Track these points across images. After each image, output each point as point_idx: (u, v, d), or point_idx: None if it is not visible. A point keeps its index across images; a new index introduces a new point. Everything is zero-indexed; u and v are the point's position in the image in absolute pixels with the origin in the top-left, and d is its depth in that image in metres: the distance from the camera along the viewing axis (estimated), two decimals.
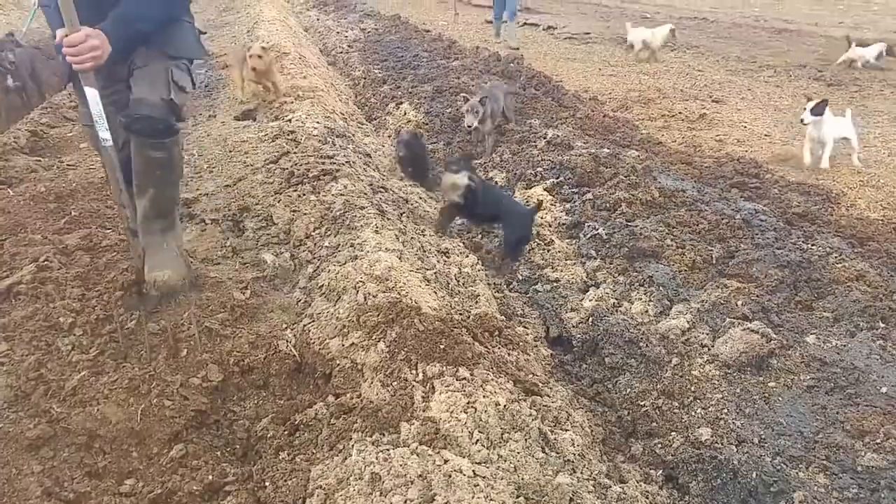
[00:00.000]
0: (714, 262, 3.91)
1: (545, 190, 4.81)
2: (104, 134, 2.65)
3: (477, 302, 3.32)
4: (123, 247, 3.76)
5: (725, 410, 2.82)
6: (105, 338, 3.03)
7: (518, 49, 11.83)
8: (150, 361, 2.89)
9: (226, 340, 3.06)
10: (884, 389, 2.85)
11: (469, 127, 5.77)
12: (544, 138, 5.81)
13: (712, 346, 3.17)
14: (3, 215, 3.98)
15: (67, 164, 4.98)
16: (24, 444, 2.54)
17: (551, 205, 4.64)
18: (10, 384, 2.75)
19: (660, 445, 2.75)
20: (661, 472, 2.65)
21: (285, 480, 2.41)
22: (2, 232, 3.79)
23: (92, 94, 2.62)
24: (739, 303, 3.46)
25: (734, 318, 3.33)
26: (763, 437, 2.70)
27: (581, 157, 5.19)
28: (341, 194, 4.13)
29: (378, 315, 2.90)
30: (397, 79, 9.10)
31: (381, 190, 4.61)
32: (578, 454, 2.39)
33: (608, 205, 4.54)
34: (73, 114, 6.87)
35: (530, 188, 4.91)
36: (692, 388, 2.94)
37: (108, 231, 3.92)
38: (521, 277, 4.02)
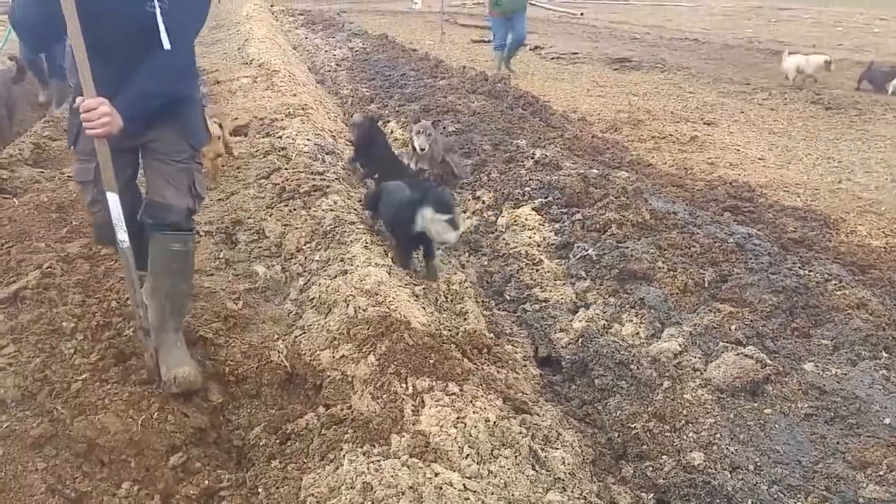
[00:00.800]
0: (706, 285, 3.95)
1: (533, 209, 4.92)
2: (122, 236, 2.72)
3: (465, 319, 3.43)
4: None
5: (718, 435, 2.81)
6: (105, 343, 3.13)
7: (513, 72, 11.75)
8: (151, 381, 2.97)
9: (220, 349, 3.17)
10: (887, 420, 2.81)
11: (421, 150, 5.49)
12: (532, 158, 5.91)
13: (705, 370, 3.19)
14: (9, 224, 4.09)
15: (68, 176, 5.07)
16: (29, 442, 2.63)
17: (540, 224, 4.75)
18: (17, 384, 2.85)
19: (651, 468, 2.76)
20: (652, 495, 2.67)
21: (277, 488, 2.50)
22: (8, 239, 3.92)
23: (112, 199, 2.67)
24: (733, 327, 3.48)
25: (727, 342, 3.35)
26: (759, 464, 2.67)
27: (570, 178, 5.30)
28: (331, 210, 4.26)
29: (368, 328, 3.01)
30: (385, 97, 9.25)
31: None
32: (569, 473, 2.47)
33: (598, 225, 4.62)
34: None
35: (518, 207, 5.02)
36: (684, 412, 2.96)
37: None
38: (509, 297, 4.12)
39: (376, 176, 5.39)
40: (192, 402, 2.94)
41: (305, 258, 3.85)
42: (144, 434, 2.78)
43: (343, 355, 2.97)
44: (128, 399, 2.87)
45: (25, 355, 3.06)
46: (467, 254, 4.60)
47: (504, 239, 4.63)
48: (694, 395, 3.06)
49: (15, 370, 2.96)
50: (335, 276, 3.47)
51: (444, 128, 7.18)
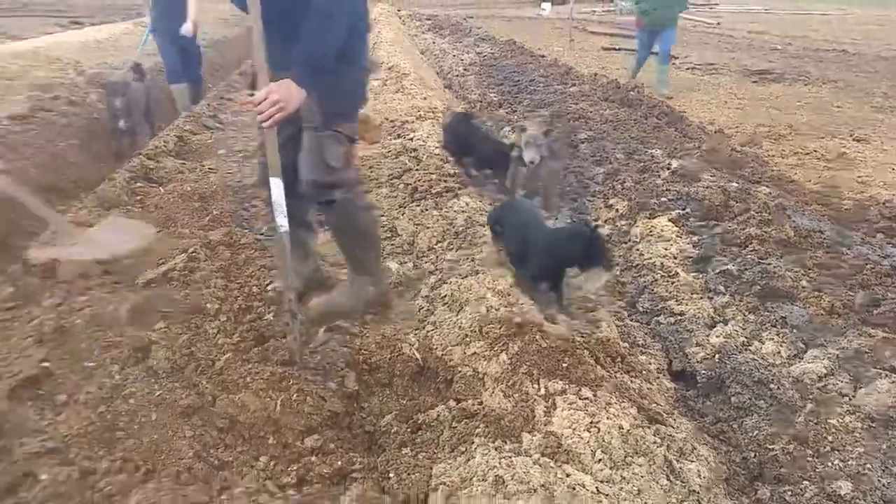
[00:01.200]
0: (856, 308, 3.76)
1: (670, 220, 4.83)
2: (281, 220, 2.93)
3: (598, 327, 3.42)
4: (259, 246, 4.14)
5: (869, 466, 2.68)
6: (246, 325, 3.38)
7: (671, 98, 10.48)
8: (294, 363, 3.17)
9: (355, 338, 3.33)
10: None
11: (532, 163, 4.90)
12: (668, 168, 5.80)
13: (854, 396, 3.06)
14: (156, 210, 4.47)
15: (208, 168, 5.48)
16: (179, 411, 2.90)
17: (676, 236, 4.66)
18: (167, 357, 3.14)
19: (790, 493, 2.68)
20: None
21: (409, 474, 2.60)
22: (156, 224, 4.27)
23: (276, 183, 2.88)
24: (887, 353, 3.31)
25: (881, 369, 3.19)
26: None
27: (709, 190, 5.17)
28: (463, 211, 4.36)
29: (500, 328, 3.07)
30: (513, 102, 9.32)
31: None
32: (704, 487, 2.43)
33: (739, 240, 4.50)
34: (212, 122, 7.56)
35: (653, 218, 4.94)
36: (829, 438, 2.84)
37: (246, 231, 4.33)
38: (641, 309, 4.07)
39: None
40: (328, 388, 3.10)
41: (437, 257, 3.97)
42: (283, 414, 2.97)
43: (475, 352, 3.04)
44: (268, 379, 3.08)
45: (174, 332, 3.36)
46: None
47: (638, 249, 4.58)
48: (841, 421, 2.93)
49: (165, 345, 3.26)
50: (466, 276, 3.55)
51: (573, 135, 7.17)
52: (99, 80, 7.41)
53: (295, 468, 2.77)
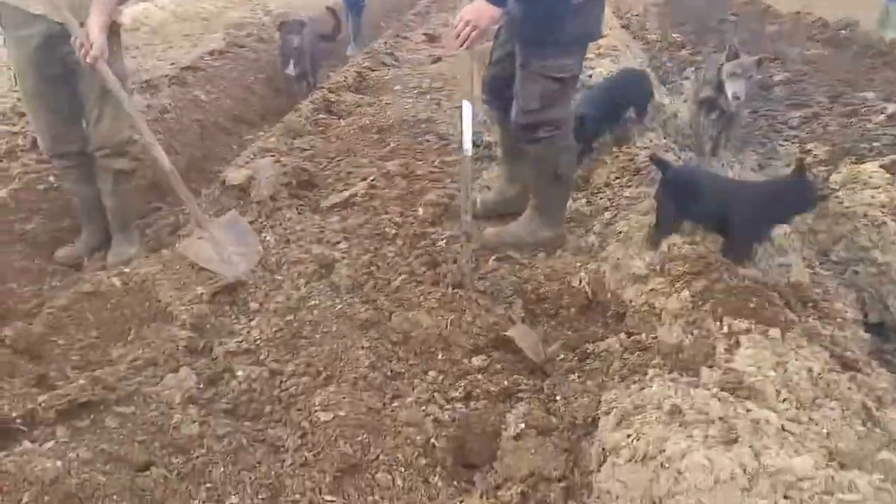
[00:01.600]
0: None
1: (881, 167, 4.44)
2: (467, 145, 3.04)
3: (788, 271, 3.25)
4: (434, 177, 4.30)
5: None
6: (420, 250, 3.58)
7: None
8: (462, 285, 3.32)
9: (524, 269, 3.41)
10: None
11: (735, 99, 4.02)
12: (882, 112, 5.31)
13: None
14: (338, 141, 4.80)
15: (385, 103, 5.73)
16: (357, 324, 3.15)
17: (888, 184, 4.29)
18: (349, 275, 3.41)
19: None
20: None
21: (576, 398, 2.67)
22: (339, 154, 4.61)
23: (467, 108, 2.97)
24: None
25: None
26: None
27: None
28: (645, 147, 4.24)
29: (684, 265, 3.00)
30: (697, 44, 8.81)
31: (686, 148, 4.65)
32: None
33: None
34: (389, 59, 7.85)
35: (861, 164, 4.56)
36: None
37: (420, 163, 4.52)
38: (836, 259, 3.82)
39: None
40: (495, 313, 3.20)
41: (614, 193, 3.92)
42: (452, 333, 3.14)
43: (652, 289, 3.00)
44: (439, 300, 3.26)
45: (355, 252, 3.63)
46: None
47: (837, 197, 4.26)
48: None
49: (347, 263, 3.54)
50: (646, 213, 3.48)
51: (767, 77, 6.70)
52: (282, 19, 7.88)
53: (462, 384, 2.93)
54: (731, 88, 3.97)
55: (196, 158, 4.80)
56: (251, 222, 3.92)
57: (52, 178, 4.19)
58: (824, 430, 2.19)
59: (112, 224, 3.83)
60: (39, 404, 2.55)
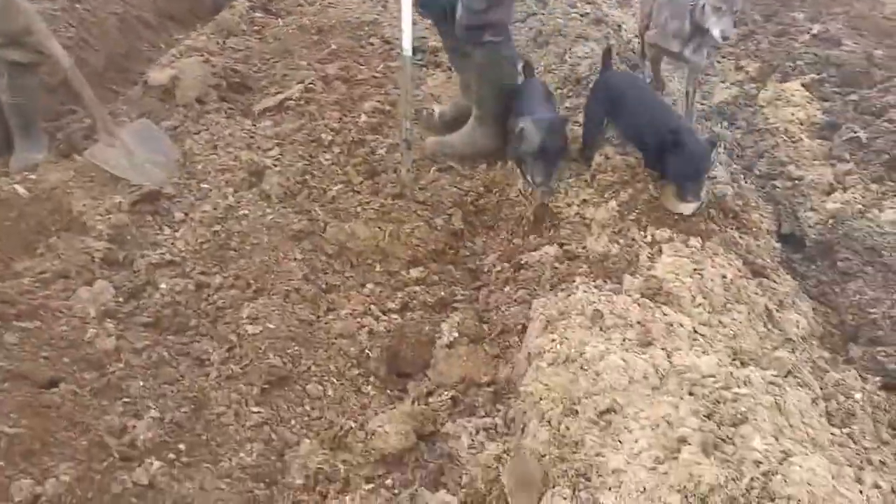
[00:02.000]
0: None
1: (803, 85, 4.57)
2: (406, 45, 2.96)
3: (713, 183, 3.35)
4: (376, 82, 4.18)
5: None
6: (359, 158, 3.51)
7: None
8: (402, 195, 3.31)
9: (465, 180, 3.42)
10: None
11: (725, 39, 3.43)
12: (808, 32, 5.41)
13: None
14: (274, 41, 4.58)
15: (328, 3, 5.38)
16: (290, 235, 3.12)
17: (807, 102, 4.42)
18: (280, 183, 3.33)
19: (883, 353, 2.70)
20: (879, 378, 2.60)
21: (508, 307, 2.75)
22: (274, 55, 4.41)
23: (406, 5, 2.90)
24: None
25: None
26: None
27: (852, 55, 4.80)
28: (587, 57, 4.21)
29: (613, 175, 3.07)
30: None
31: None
32: (801, 337, 2.49)
33: (874, 109, 4.23)
34: None
35: (785, 82, 4.68)
36: None
37: (362, 67, 4.35)
38: (758, 172, 3.96)
39: None
40: (434, 224, 3.21)
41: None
42: (390, 244, 3.15)
43: (584, 199, 3.06)
44: (378, 210, 3.24)
45: (288, 159, 3.52)
46: (720, 125, 4.42)
47: (763, 113, 4.40)
48: None
49: (279, 171, 3.44)
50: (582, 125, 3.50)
51: None
52: None
53: (399, 295, 2.97)
54: (718, 27, 3.30)
55: (116, 56, 4.48)
56: (175, 127, 3.72)
57: None
58: (731, 332, 2.37)
59: (13, 124, 3.49)
60: None
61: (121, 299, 2.75)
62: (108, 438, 2.10)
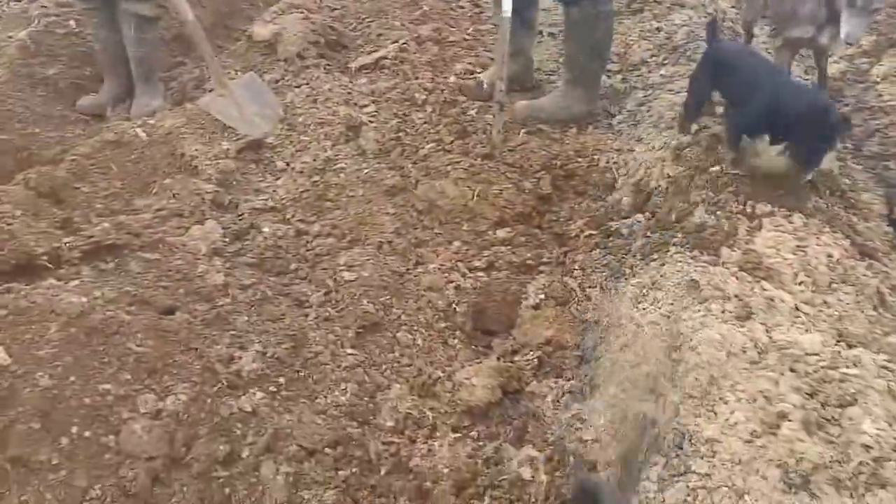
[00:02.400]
0: None
1: None
2: (507, 6, 2.98)
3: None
4: (467, 44, 4.23)
5: None
6: (450, 118, 3.57)
7: None
8: (492, 156, 3.35)
9: (554, 144, 3.42)
10: None
11: (850, 44, 3.16)
12: None
13: None
14: (368, 2, 4.65)
15: None
16: (383, 189, 3.23)
17: None
18: (376, 139, 3.45)
19: None
20: None
21: (594, 272, 2.77)
22: (369, 15, 4.50)
23: None
24: None
25: None
26: None
27: None
28: (685, 24, 4.13)
29: (710, 148, 3.02)
30: None
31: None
32: None
33: None
34: None
35: None
36: None
37: (453, 29, 4.42)
38: (868, 153, 3.79)
39: None
40: (522, 186, 3.25)
41: (650, 71, 3.86)
42: (478, 204, 3.21)
43: (679, 170, 3.02)
44: (467, 170, 3.29)
45: (383, 116, 3.63)
46: None
47: (877, 90, 4.18)
48: None
49: (375, 127, 3.56)
50: (679, 93, 3.45)
51: None
52: None
53: (486, 254, 3.04)
54: (847, 27, 2.87)
55: (222, 14, 4.69)
56: (277, 80, 3.89)
57: (72, 23, 4.13)
58: (836, 313, 2.30)
59: (135, 74, 3.82)
60: (64, 244, 2.66)
61: (227, 239, 2.95)
62: (218, 366, 2.27)
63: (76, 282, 2.48)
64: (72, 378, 2.06)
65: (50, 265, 2.57)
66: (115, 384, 2.09)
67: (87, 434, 1.97)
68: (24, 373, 2.04)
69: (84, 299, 2.30)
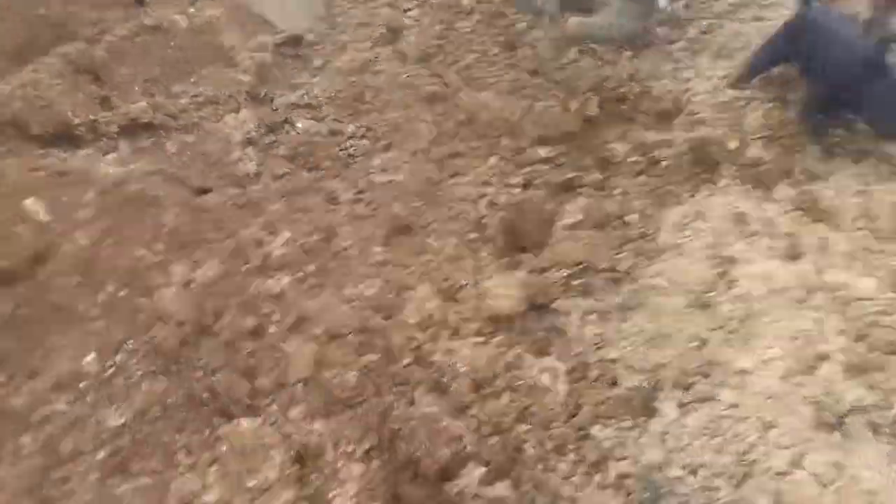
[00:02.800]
0: None
1: None
2: None
3: None
4: None
5: None
6: (498, 30, 3.46)
7: None
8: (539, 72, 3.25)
9: (606, 65, 3.31)
10: None
11: None
12: None
13: None
14: None
15: None
16: (422, 96, 3.16)
17: None
18: (417, 44, 3.35)
19: None
20: None
21: (638, 196, 2.69)
22: None
23: None
24: None
25: None
26: None
27: None
28: None
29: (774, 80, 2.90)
30: None
31: None
32: None
33: None
34: None
35: None
36: None
37: None
38: None
39: None
40: (568, 106, 3.15)
41: None
42: (521, 120, 3.10)
43: (734, 99, 2.91)
44: (512, 83, 3.20)
45: (427, 21, 3.53)
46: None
47: None
48: None
49: (417, 31, 3.46)
50: (747, 21, 3.31)
51: None
52: None
53: (522, 172, 2.96)
54: None
55: None
56: None
57: None
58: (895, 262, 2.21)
59: None
60: (101, 117, 2.70)
61: (262, 130, 2.95)
62: (248, 248, 2.29)
63: (114, 154, 2.56)
64: (108, 241, 2.16)
65: (88, 136, 2.63)
66: (150, 252, 2.18)
67: (122, 294, 2.09)
68: (63, 231, 2.14)
69: (121, 169, 2.38)
